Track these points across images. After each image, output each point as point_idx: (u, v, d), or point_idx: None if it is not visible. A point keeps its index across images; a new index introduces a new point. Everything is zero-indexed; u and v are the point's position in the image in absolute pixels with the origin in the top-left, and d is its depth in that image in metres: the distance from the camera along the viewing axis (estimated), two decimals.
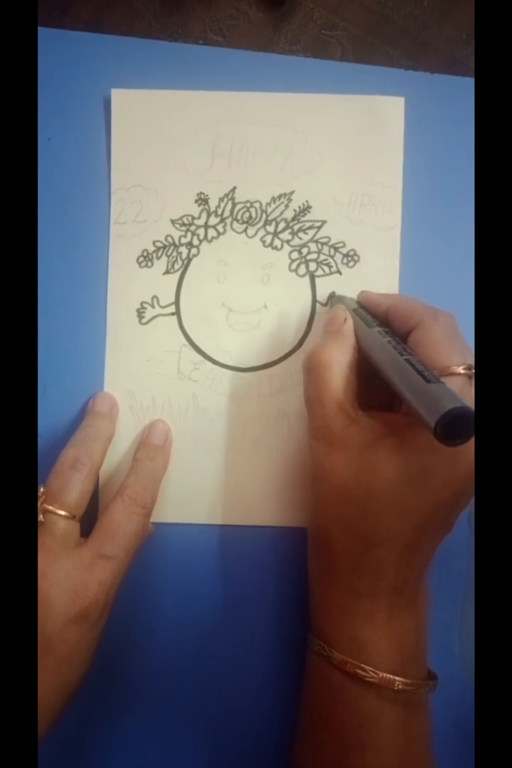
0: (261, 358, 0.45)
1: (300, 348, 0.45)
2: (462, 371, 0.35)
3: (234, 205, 0.45)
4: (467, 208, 0.45)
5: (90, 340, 0.45)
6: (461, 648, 0.45)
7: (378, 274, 0.45)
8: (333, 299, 0.45)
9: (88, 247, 0.45)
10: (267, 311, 0.45)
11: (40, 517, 0.37)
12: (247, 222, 0.45)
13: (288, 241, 0.45)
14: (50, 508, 0.37)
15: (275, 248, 0.45)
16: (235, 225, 0.45)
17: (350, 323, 0.40)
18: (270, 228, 0.45)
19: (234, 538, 0.45)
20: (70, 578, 0.36)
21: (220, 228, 0.45)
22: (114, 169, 0.45)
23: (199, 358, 0.45)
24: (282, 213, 0.45)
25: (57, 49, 0.45)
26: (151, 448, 0.43)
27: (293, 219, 0.45)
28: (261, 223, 0.45)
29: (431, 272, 0.45)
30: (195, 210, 0.45)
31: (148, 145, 0.45)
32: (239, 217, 0.45)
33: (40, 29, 0.45)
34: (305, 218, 0.45)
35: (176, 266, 0.45)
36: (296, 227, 0.45)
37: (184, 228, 0.45)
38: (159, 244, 0.45)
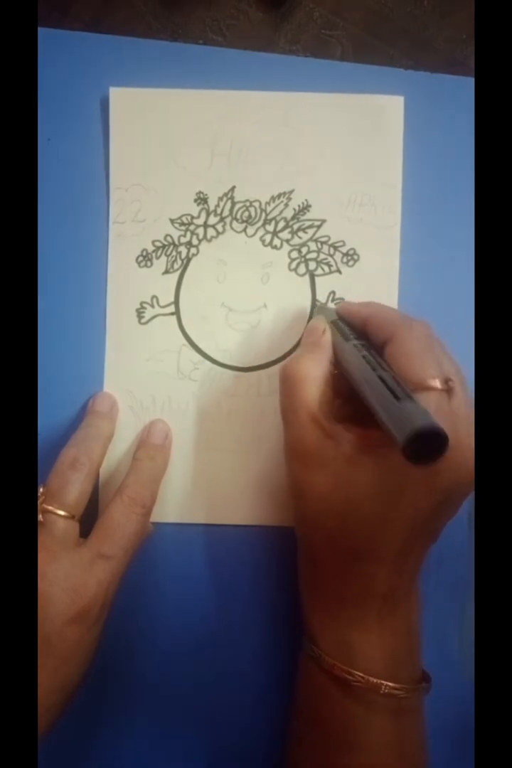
0: (261, 358, 0.45)
1: None
2: (437, 385, 0.34)
3: (233, 204, 0.45)
4: (467, 207, 0.45)
5: (89, 340, 0.45)
6: (461, 648, 0.45)
7: (378, 273, 0.45)
8: (315, 310, 0.45)
9: (87, 247, 0.45)
10: (267, 310, 0.45)
11: (40, 517, 0.37)
12: (246, 221, 0.45)
13: (287, 240, 0.45)
14: (50, 507, 0.37)
15: (275, 247, 0.45)
16: (235, 224, 0.45)
17: (328, 335, 0.39)
18: (270, 227, 0.45)
19: (234, 538, 0.45)
20: (69, 578, 0.36)
21: (219, 227, 0.45)
22: (113, 168, 0.45)
23: (199, 357, 0.45)
24: (281, 212, 0.45)
25: (57, 49, 0.45)
26: (151, 447, 0.43)
27: (292, 218, 0.45)
28: (260, 223, 0.45)
29: (431, 271, 0.45)
30: (194, 209, 0.45)
31: (147, 145, 0.45)
32: (238, 216, 0.45)
33: (40, 29, 0.45)
34: (305, 217, 0.45)
35: (175, 266, 0.45)
36: (296, 226, 0.45)
37: (183, 227, 0.45)
38: (158, 244, 0.45)
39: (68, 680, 0.36)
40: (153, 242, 0.45)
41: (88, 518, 0.40)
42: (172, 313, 0.45)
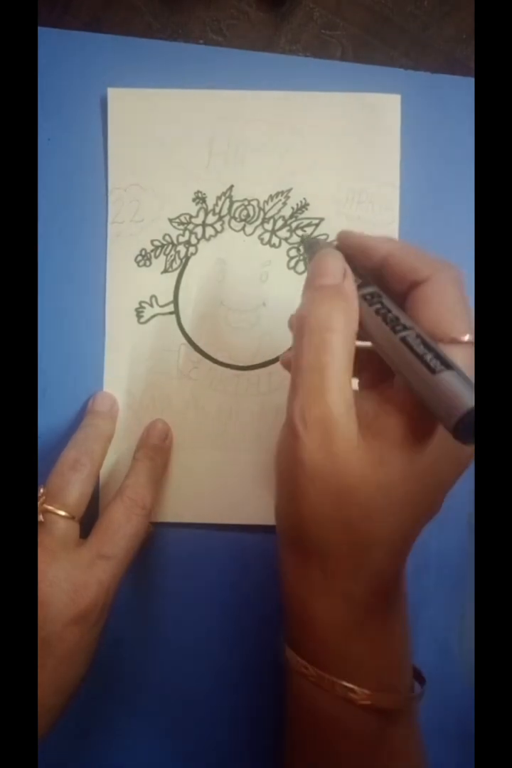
0: (261, 356, 0.45)
1: None
2: (466, 339, 0.29)
3: (231, 203, 0.45)
4: (465, 206, 0.44)
5: (89, 340, 0.45)
6: (461, 648, 0.45)
7: None
8: (306, 242, 0.36)
9: (86, 247, 0.45)
10: (266, 309, 0.45)
11: (40, 518, 0.37)
12: (244, 220, 0.45)
13: (286, 239, 0.45)
14: (50, 508, 0.37)
15: (273, 246, 0.45)
16: (233, 223, 0.45)
17: (351, 281, 0.32)
18: (268, 225, 0.45)
19: (234, 537, 0.45)
20: (69, 578, 0.36)
21: (217, 226, 0.45)
22: (111, 168, 0.45)
23: (198, 356, 0.45)
24: (280, 210, 0.45)
25: (57, 49, 0.45)
26: (151, 448, 0.43)
27: (291, 216, 0.45)
28: (259, 221, 0.45)
29: None
30: (192, 208, 0.45)
31: (145, 144, 0.45)
32: (237, 215, 0.45)
33: (40, 29, 0.45)
34: (303, 215, 0.45)
35: (174, 265, 0.45)
36: (294, 224, 0.45)
37: (181, 227, 0.45)
38: (157, 243, 0.45)
39: (68, 681, 0.36)
40: (152, 242, 0.45)
41: (88, 519, 0.40)
42: (171, 313, 0.45)
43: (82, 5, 0.46)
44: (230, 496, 0.45)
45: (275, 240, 0.45)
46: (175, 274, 0.45)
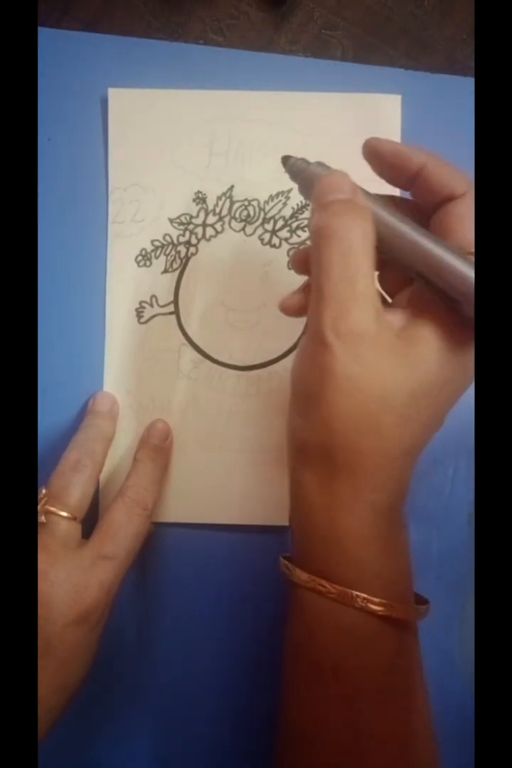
0: (261, 356, 0.45)
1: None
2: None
3: (232, 203, 0.45)
4: None
5: (89, 340, 0.45)
6: (461, 649, 0.45)
7: None
8: (289, 163, 0.35)
9: (86, 247, 0.45)
10: (267, 309, 0.45)
11: (42, 519, 0.37)
12: (245, 220, 0.45)
13: (286, 239, 0.45)
14: (52, 509, 0.37)
15: (274, 246, 0.45)
16: (234, 223, 0.45)
17: (362, 195, 0.32)
18: (269, 226, 0.45)
19: (234, 537, 0.45)
20: (70, 579, 0.36)
21: (218, 226, 0.45)
22: (111, 168, 0.45)
23: (199, 356, 0.45)
24: (280, 211, 0.45)
25: (57, 49, 0.45)
26: (152, 448, 0.43)
27: (291, 216, 0.45)
28: (259, 222, 0.45)
29: None
30: (193, 209, 0.45)
31: (146, 145, 0.45)
32: (237, 215, 0.45)
33: (40, 29, 0.45)
34: (303, 216, 0.45)
35: (175, 265, 0.45)
36: (294, 225, 0.45)
37: (182, 227, 0.45)
38: (157, 244, 0.45)
39: (68, 682, 0.36)
40: (152, 242, 0.45)
41: (89, 520, 0.40)
42: (171, 313, 0.45)
43: (82, 5, 0.46)
44: (230, 496, 0.45)
45: (275, 240, 0.45)
46: (176, 274, 0.45)
